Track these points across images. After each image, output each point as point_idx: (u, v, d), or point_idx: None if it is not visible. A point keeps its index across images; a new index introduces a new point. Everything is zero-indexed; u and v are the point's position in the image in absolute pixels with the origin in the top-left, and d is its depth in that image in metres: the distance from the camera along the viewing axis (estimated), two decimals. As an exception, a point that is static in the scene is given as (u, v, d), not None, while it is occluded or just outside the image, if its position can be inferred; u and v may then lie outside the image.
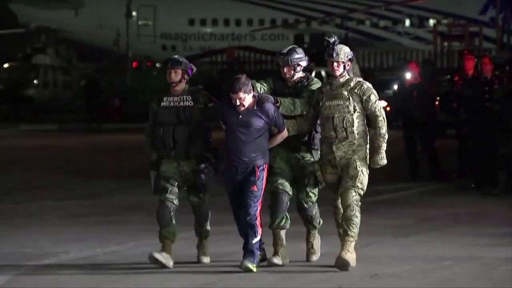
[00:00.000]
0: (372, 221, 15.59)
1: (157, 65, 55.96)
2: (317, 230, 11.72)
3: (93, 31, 59.67)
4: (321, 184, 11.29)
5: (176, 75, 11.44)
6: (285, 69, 11.24)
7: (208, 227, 11.68)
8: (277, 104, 11.05)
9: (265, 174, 11.10)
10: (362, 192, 10.96)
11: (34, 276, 11.31)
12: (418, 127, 20.91)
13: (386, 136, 10.93)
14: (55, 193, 19.70)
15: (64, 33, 59.14)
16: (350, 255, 10.89)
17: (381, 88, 42.74)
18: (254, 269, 10.95)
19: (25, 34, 58.08)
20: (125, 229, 14.80)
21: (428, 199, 18.30)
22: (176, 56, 11.76)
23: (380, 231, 14.45)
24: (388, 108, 39.99)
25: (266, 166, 11.12)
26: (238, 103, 10.92)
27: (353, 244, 10.84)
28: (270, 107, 10.98)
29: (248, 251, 11.06)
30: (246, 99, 10.95)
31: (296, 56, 11.28)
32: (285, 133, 11.09)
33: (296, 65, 11.29)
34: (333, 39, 11.12)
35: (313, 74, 45.21)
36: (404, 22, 58.44)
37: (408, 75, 22.45)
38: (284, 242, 11.45)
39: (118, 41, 57.04)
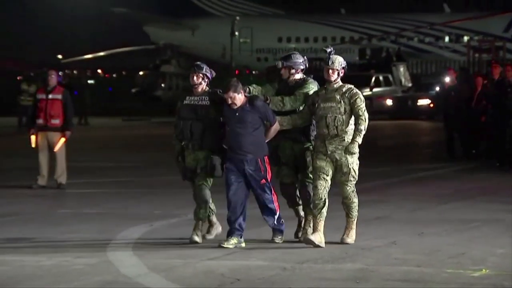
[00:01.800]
0: (418, 191, 15.58)
1: (254, 72, 56.29)
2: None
3: (205, 46, 60.17)
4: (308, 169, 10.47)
5: (197, 78, 10.78)
6: (282, 71, 10.62)
7: (205, 210, 10.49)
8: (267, 101, 10.40)
9: (267, 164, 10.30)
10: (355, 182, 10.31)
11: (162, 231, 11.39)
12: (454, 119, 20.82)
13: (363, 133, 10.20)
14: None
15: (184, 49, 59.75)
16: (351, 232, 10.35)
17: (426, 90, 42.63)
18: (281, 241, 10.31)
19: (155, 49, 58.89)
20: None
21: (462, 175, 18.16)
22: (198, 63, 11.03)
23: (424, 199, 14.40)
24: (431, 105, 39.81)
25: (266, 157, 10.32)
26: (230, 101, 10.30)
27: (354, 221, 10.34)
28: (260, 104, 10.32)
29: (275, 229, 10.35)
30: (237, 97, 10.27)
31: (290, 60, 10.54)
32: (276, 126, 10.33)
33: (290, 68, 10.50)
34: (329, 49, 10.44)
35: (373, 79, 45.18)
36: (444, 39, 58.09)
37: (447, 80, 22.30)
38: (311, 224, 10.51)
39: (224, 54, 57.44)
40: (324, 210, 10.22)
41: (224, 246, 10.01)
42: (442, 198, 14.46)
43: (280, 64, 10.64)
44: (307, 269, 8.95)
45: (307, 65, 10.64)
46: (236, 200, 10.28)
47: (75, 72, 61.87)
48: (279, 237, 10.37)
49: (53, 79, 16.21)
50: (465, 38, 56.49)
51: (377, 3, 69.02)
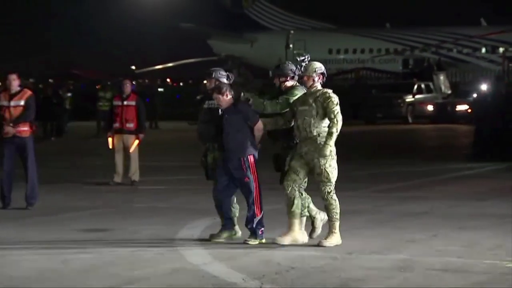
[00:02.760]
0: (458, 189, 15.41)
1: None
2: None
3: (262, 58, 60.29)
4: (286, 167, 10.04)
5: (210, 83, 10.56)
6: (274, 79, 10.29)
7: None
8: (250, 102, 10.10)
9: (251, 164, 9.95)
10: (330, 184, 9.60)
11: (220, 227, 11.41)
12: (488, 123, 20.54)
13: (334, 135, 9.56)
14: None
15: (243, 59, 60.07)
16: (330, 236, 9.67)
17: (464, 96, 42.17)
18: (256, 242, 9.79)
19: (218, 60, 59.31)
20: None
21: (499, 174, 17.91)
22: (211, 69, 10.76)
23: (463, 196, 14.23)
24: (469, 110, 39.38)
25: (251, 156, 9.94)
26: (216, 102, 10.15)
27: (335, 225, 9.64)
28: (243, 105, 10.06)
29: (251, 231, 9.92)
30: (220, 99, 10.07)
31: (279, 70, 10.13)
32: (258, 126, 9.97)
33: (279, 76, 10.08)
34: (302, 58, 9.96)
35: (415, 87, 44.79)
36: (481, 50, 57.45)
37: (484, 87, 22.07)
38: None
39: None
40: (294, 209, 9.71)
41: (216, 240, 9.86)
42: (480, 195, 14.28)
43: (271, 73, 10.43)
44: (355, 259, 8.90)
45: (296, 73, 10.05)
46: (221, 198, 10.10)
47: (147, 81, 62.34)
48: (252, 239, 9.83)
49: (127, 87, 16.33)
50: (501, 49, 55.81)
51: (419, 18, 68.54)
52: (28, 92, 12.85)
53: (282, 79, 10.15)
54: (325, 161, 9.60)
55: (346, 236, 10.15)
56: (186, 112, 50.82)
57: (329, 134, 9.57)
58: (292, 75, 10.10)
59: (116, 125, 16.10)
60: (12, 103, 12.62)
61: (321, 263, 8.65)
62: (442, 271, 8.36)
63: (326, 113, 9.63)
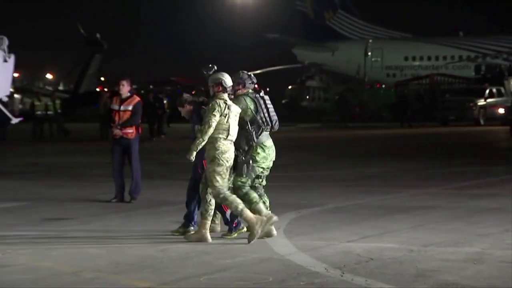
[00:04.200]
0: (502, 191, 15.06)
1: (383, 86, 55.72)
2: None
3: (343, 65, 60.17)
4: None
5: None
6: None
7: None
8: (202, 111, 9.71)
9: (203, 168, 9.65)
10: (212, 186, 9.25)
11: (308, 218, 11.41)
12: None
13: (196, 141, 9.20)
14: (321, 166, 19.86)
15: (325, 67, 60.02)
16: (198, 231, 9.42)
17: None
18: (234, 235, 9.61)
19: (301, 68, 59.45)
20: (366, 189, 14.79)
21: None
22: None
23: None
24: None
25: (204, 161, 9.59)
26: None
27: (204, 223, 9.34)
28: (197, 114, 9.79)
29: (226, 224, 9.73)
30: (182, 110, 10.11)
31: (234, 78, 9.61)
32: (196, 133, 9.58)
33: (234, 85, 9.57)
34: (209, 68, 9.56)
35: (487, 91, 43.99)
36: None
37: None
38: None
39: (359, 71, 57.16)
40: (202, 209, 9.44)
41: (185, 237, 9.52)
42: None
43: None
44: (431, 251, 8.78)
45: (245, 83, 9.56)
46: (190, 195, 9.95)
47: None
48: (228, 234, 9.66)
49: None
50: None
51: (491, 27, 67.23)
52: (137, 99, 13.11)
53: (236, 87, 9.61)
54: (209, 165, 9.32)
55: (422, 230, 10.04)
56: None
57: (194, 139, 9.33)
58: (244, 84, 9.61)
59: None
60: (122, 107, 12.88)
61: (398, 255, 8.56)
62: (514, 264, 8.18)
63: None
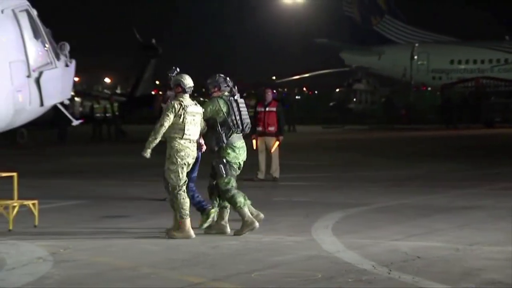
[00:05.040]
0: None
1: (429, 88, 55.26)
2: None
3: (389, 68, 59.75)
4: None
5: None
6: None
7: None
8: None
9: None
10: (172, 182, 9.41)
11: (355, 217, 11.33)
12: None
13: (149, 139, 9.34)
14: (367, 167, 19.72)
15: (372, 70, 59.68)
16: (173, 224, 9.63)
17: None
18: (209, 220, 9.80)
19: (348, 71, 59.25)
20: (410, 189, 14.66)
21: None
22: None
23: None
24: None
25: None
26: None
27: (178, 217, 9.50)
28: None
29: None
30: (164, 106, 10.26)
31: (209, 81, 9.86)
32: None
33: (210, 87, 9.83)
34: (170, 74, 9.69)
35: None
36: None
37: None
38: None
39: (405, 74, 56.77)
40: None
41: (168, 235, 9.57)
42: None
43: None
44: (476, 250, 8.66)
45: (220, 86, 9.74)
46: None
47: (285, 89, 62.76)
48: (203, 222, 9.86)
49: (269, 95, 16.52)
50: None
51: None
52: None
53: (212, 89, 9.84)
54: (166, 163, 9.47)
55: (467, 229, 9.92)
56: (320, 117, 51.02)
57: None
58: (219, 87, 9.77)
59: (259, 128, 16.30)
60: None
61: (444, 253, 8.46)
62: (559, 263, 8.03)
63: None
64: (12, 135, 26.03)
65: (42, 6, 12.58)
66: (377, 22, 64.21)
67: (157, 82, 58.38)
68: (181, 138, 9.42)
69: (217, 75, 9.89)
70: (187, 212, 9.45)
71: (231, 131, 9.66)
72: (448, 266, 7.88)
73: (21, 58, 11.55)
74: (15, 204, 10.24)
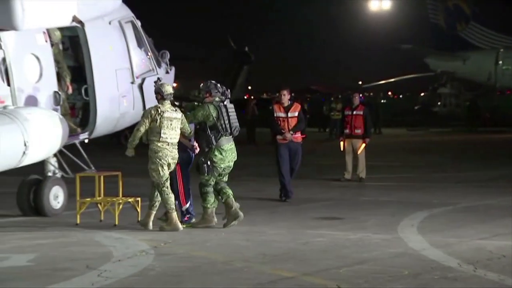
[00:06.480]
0: None
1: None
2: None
3: (474, 72, 58.50)
4: None
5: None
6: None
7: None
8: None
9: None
10: (153, 180, 9.88)
11: (440, 216, 11.08)
12: None
13: (129, 140, 9.92)
14: (451, 168, 19.34)
15: (456, 74, 58.62)
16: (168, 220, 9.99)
17: None
18: (183, 227, 10.02)
19: (433, 76, 58.44)
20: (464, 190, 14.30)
21: None
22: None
23: None
24: None
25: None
26: None
27: (169, 213, 9.88)
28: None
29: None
30: None
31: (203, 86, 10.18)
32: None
33: (202, 93, 10.20)
34: (156, 80, 10.28)
35: None
36: None
37: None
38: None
39: (489, 78, 55.55)
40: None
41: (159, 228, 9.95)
42: None
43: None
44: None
45: (211, 92, 10.03)
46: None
47: (371, 94, 62.25)
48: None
49: (356, 99, 16.45)
50: None
51: None
52: (299, 106, 13.47)
53: (205, 95, 10.14)
54: (149, 163, 9.91)
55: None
56: (405, 120, 50.37)
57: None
58: (210, 93, 10.05)
59: (347, 131, 16.26)
60: (289, 114, 13.10)
61: (529, 253, 8.22)
62: None
63: None
64: (117, 137, 26.64)
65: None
66: (463, 29, 62.96)
67: (249, 87, 58.82)
68: (158, 141, 9.87)
69: (209, 81, 10.22)
70: (172, 206, 9.85)
71: (220, 134, 10.02)
72: (533, 265, 7.65)
73: (126, 66, 11.90)
74: (120, 201, 10.51)
